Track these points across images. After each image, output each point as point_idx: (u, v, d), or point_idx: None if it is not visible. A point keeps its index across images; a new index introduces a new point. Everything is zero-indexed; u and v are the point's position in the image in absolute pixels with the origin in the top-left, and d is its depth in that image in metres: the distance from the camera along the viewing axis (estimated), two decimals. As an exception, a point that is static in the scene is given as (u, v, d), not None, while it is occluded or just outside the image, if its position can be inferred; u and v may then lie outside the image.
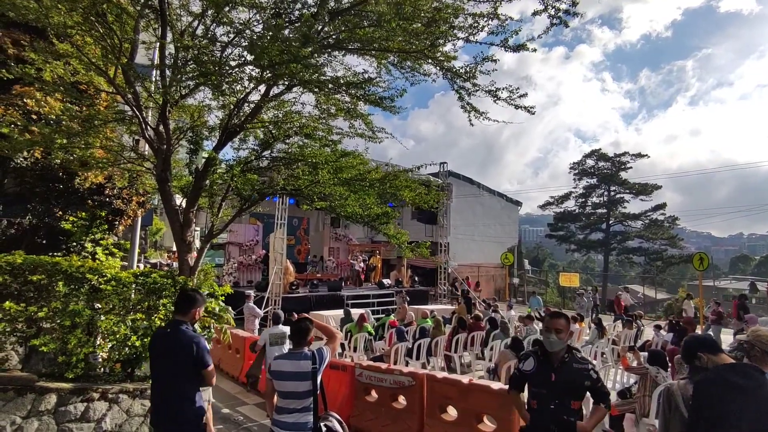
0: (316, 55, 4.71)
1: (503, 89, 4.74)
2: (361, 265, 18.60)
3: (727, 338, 11.56)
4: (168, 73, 4.81)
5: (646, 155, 37.61)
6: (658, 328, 9.49)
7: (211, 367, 2.90)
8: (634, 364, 5.89)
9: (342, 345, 8.29)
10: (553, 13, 4.01)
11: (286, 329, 5.76)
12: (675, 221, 36.67)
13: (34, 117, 5.82)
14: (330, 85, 5.12)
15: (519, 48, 4.49)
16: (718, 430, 2.22)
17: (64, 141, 4.91)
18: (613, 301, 17.19)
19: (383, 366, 5.66)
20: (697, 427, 2.29)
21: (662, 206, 36.35)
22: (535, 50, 4.57)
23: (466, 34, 4.62)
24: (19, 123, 5.27)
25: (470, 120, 5.16)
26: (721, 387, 2.28)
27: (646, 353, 6.58)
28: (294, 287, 14.12)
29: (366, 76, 5.12)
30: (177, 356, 2.83)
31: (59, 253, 6.01)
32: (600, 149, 38.67)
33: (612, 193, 37.83)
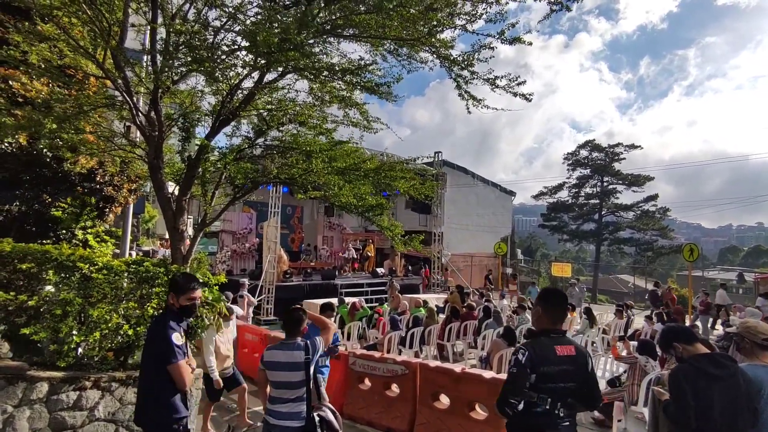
0: (312, 41, 4.62)
1: (502, 77, 4.70)
2: (352, 253, 18.56)
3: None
4: (159, 58, 4.69)
5: (639, 146, 37.87)
6: (648, 318, 9.62)
7: (175, 363, 2.50)
8: (624, 353, 5.99)
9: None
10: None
11: (234, 308, 6.54)
12: (666, 212, 37.11)
13: (20, 100, 5.67)
14: (325, 72, 5.04)
15: (515, 41, 4.46)
16: (704, 418, 2.29)
17: (54, 126, 4.80)
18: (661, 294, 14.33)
19: (376, 355, 5.70)
20: (685, 415, 2.35)
21: (654, 197, 36.73)
22: (530, 44, 4.53)
23: (464, 21, 4.55)
24: (3, 107, 5.13)
25: (468, 108, 5.12)
26: (699, 377, 2.36)
27: (635, 342, 6.69)
28: (287, 276, 14.11)
29: (361, 62, 5.04)
30: (148, 349, 2.67)
31: (49, 241, 5.92)
32: (594, 140, 38.87)
33: (605, 184, 38.09)
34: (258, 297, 11.50)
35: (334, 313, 4.82)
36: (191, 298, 2.69)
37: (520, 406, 2.18)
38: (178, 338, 2.54)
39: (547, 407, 2.19)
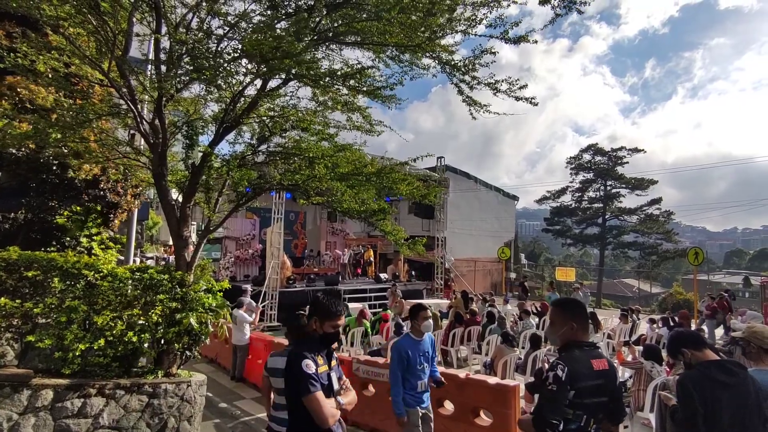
0: (310, 49, 4.65)
1: (502, 81, 4.70)
2: (346, 257, 18.46)
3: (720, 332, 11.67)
4: (162, 67, 4.74)
5: (643, 150, 37.87)
6: (652, 322, 9.56)
7: (310, 395, 2.16)
8: (629, 358, 5.94)
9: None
10: (556, 3, 3.94)
11: (242, 314, 7.44)
12: (670, 216, 36.93)
13: (28, 106, 5.74)
14: (326, 78, 5.07)
15: (519, 40, 4.42)
16: (713, 425, 2.26)
17: (59, 135, 4.85)
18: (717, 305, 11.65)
19: (380, 360, 5.67)
20: (693, 422, 2.32)
21: (658, 201, 36.61)
22: (536, 42, 4.50)
23: (465, 27, 4.57)
24: (10, 114, 5.19)
25: (471, 113, 5.13)
26: (708, 384, 2.33)
27: (641, 347, 6.64)
28: (291, 281, 14.12)
29: (362, 66, 5.06)
30: (286, 387, 2.45)
31: (54, 249, 5.96)
32: (597, 144, 38.83)
33: (608, 188, 37.99)
34: (261, 303, 11.50)
35: (428, 311, 4.17)
36: (336, 325, 2.43)
37: (561, 426, 2.02)
38: (309, 366, 2.21)
39: (582, 424, 2.07)
